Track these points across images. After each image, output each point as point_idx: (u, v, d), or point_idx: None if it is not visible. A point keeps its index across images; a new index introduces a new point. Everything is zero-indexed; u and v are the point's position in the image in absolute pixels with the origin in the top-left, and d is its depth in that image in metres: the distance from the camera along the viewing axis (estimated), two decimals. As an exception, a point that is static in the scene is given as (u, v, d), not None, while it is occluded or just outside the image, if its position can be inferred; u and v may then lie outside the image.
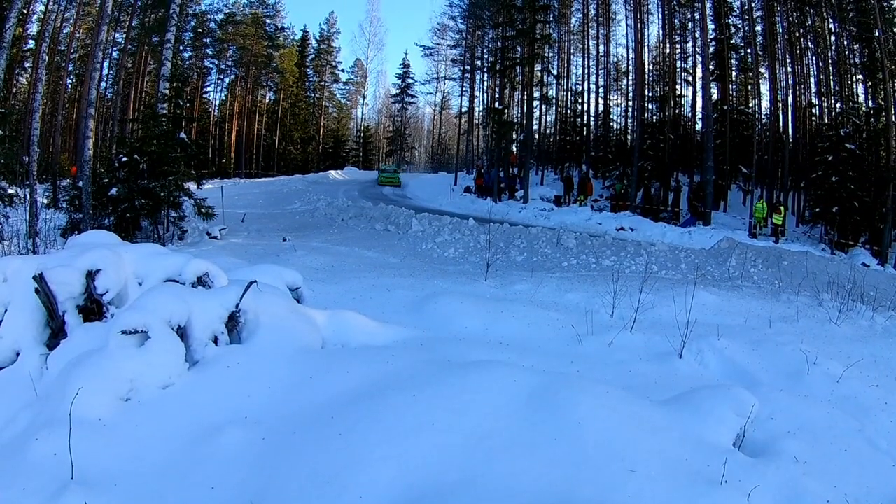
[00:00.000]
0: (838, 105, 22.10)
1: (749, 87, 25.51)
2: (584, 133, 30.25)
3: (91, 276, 4.22)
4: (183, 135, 13.09)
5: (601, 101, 30.26)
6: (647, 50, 26.86)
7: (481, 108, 32.70)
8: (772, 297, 8.16)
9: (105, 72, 27.17)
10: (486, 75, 31.25)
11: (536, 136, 29.79)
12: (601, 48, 29.69)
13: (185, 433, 3.16)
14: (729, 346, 5.36)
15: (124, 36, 27.93)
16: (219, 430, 3.17)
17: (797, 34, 22.94)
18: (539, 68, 26.07)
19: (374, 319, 5.17)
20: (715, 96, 23.90)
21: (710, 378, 4.83)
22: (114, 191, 11.88)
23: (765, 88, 24.76)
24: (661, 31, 27.48)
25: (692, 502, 2.66)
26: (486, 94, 31.81)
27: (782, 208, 19.25)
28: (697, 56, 25.58)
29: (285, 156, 40.79)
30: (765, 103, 25.14)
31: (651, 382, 4.46)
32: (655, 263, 11.26)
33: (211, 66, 38.65)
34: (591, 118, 30.53)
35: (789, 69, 23.04)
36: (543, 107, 29.59)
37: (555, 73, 29.05)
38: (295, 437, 3.13)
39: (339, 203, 18.96)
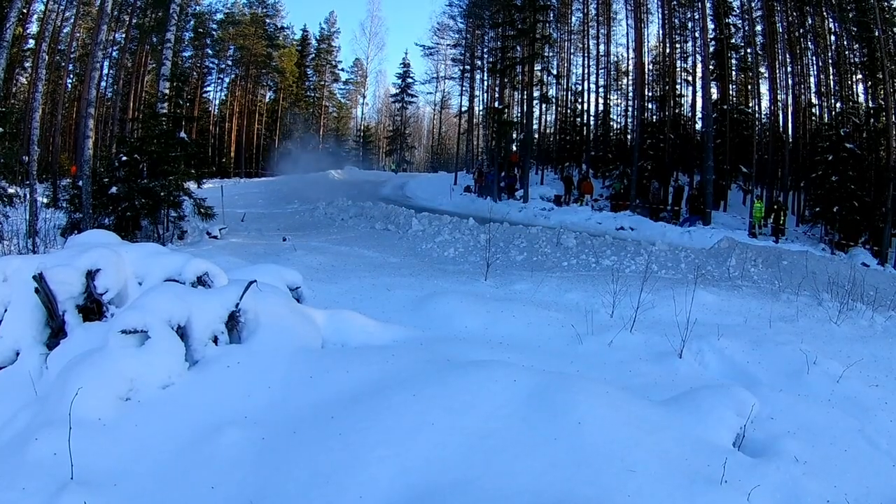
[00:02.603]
0: (838, 105, 22.09)
1: (749, 87, 25.47)
2: (584, 133, 30.22)
3: (91, 275, 4.22)
4: (183, 134, 13.07)
5: (601, 100, 30.24)
6: (646, 50, 26.84)
7: (481, 108, 32.68)
8: (772, 297, 8.16)
9: (105, 71, 27.14)
10: (485, 75, 31.23)
11: (536, 135, 29.78)
12: (601, 48, 29.68)
13: (185, 433, 3.16)
14: (729, 346, 5.36)
15: (124, 35, 27.92)
16: (219, 429, 3.17)
17: (797, 34, 22.93)
18: (539, 68, 26.07)
19: (374, 319, 5.17)
20: (715, 96, 23.89)
21: (709, 378, 4.83)
22: (114, 190, 11.88)
23: (765, 88, 24.73)
24: (660, 31, 27.47)
25: (692, 502, 2.66)
26: (486, 94, 31.80)
27: (783, 209, 19.24)
28: (697, 56, 25.56)
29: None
30: (765, 103, 25.11)
31: (651, 382, 4.47)
32: (655, 263, 11.26)
33: (211, 65, 38.64)
34: (591, 118, 30.51)
35: (789, 69, 23.03)
36: (543, 106, 29.60)
37: (555, 72, 29.03)
38: (295, 437, 3.13)
39: (339, 203, 18.96)
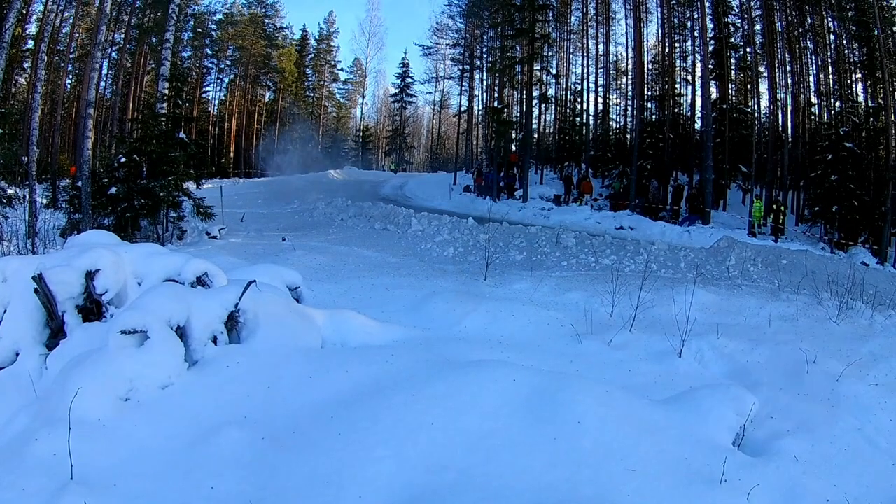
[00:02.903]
0: (837, 104, 22.10)
1: (748, 86, 25.48)
2: (584, 132, 30.24)
3: (90, 276, 4.22)
4: (182, 134, 13.06)
5: (600, 100, 30.25)
6: (646, 49, 26.83)
7: (480, 108, 32.68)
8: (771, 296, 8.16)
9: (104, 72, 27.15)
10: (485, 74, 31.27)
11: (536, 135, 29.78)
12: (600, 47, 29.66)
13: (185, 433, 3.16)
14: (728, 345, 5.36)
15: (123, 36, 27.91)
16: (218, 429, 3.17)
17: (796, 33, 22.94)
18: (538, 67, 26.06)
19: (374, 319, 5.17)
20: (714, 95, 23.89)
21: (709, 377, 4.83)
22: (113, 191, 11.87)
23: (764, 87, 24.72)
24: (660, 30, 27.46)
25: (692, 502, 2.66)
26: (485, 94, 31.83)
27: (783, 209, 19.24)
28: (697, 55, 25.55)
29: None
30: (764, 102, 25.12)
31: (650, 382, 4.47)
32: (655, 262, 11.26)
33: (210, 65, 38.63)
34: (591, 117, 30.53)
35: (788, 68, 23.04)
36: (542, 106, 29.60)
37: (554, 72, 29.04)
38: (294, 437, 3.13)
39: (338, 202, 18.96)
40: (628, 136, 27.82)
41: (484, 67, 30.98)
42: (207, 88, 39.00)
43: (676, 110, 27.03)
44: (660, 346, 5.36)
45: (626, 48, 28.95)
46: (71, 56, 27.59)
